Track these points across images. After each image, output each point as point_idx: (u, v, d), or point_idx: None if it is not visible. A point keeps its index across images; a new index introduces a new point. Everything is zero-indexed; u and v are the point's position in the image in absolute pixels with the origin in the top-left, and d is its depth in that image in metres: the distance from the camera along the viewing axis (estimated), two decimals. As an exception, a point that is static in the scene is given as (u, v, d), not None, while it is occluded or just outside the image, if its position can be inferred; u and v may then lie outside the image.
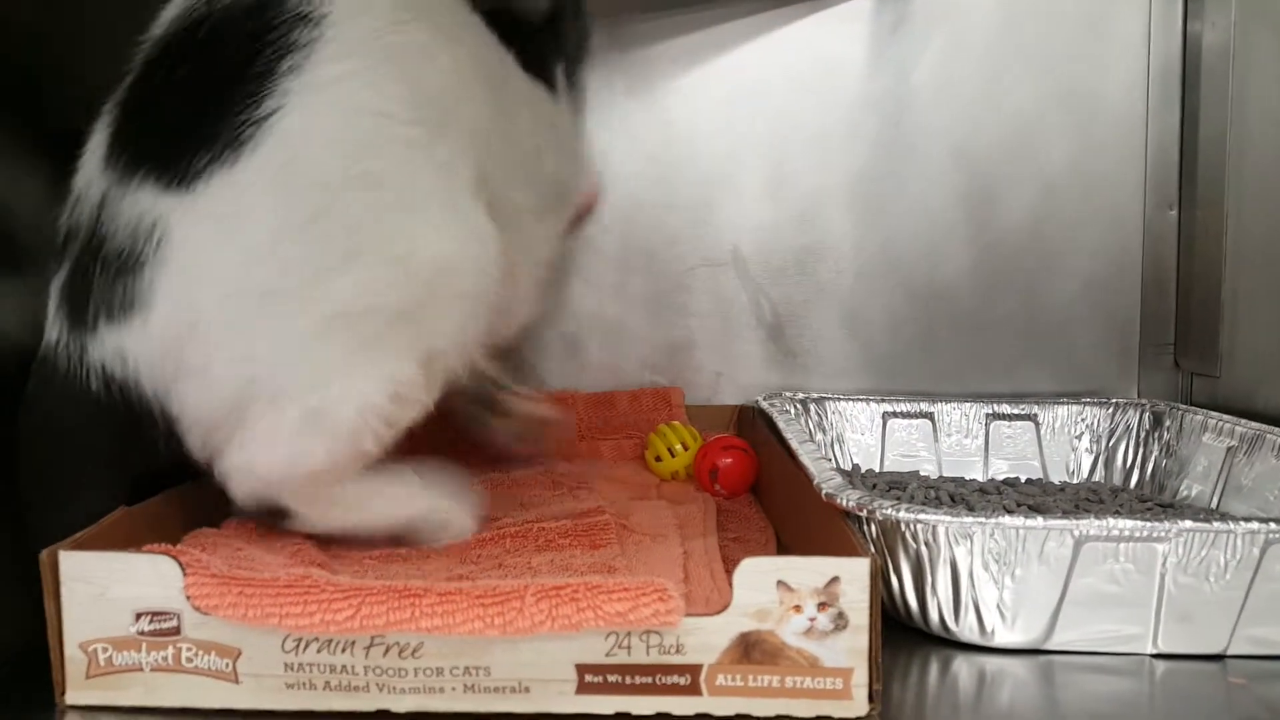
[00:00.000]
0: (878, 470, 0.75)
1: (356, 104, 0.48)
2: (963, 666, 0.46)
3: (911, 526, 0.47)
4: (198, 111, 0.46)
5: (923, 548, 0.47)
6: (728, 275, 0.85)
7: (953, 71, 0.83)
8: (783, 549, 0.59)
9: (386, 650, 0.41)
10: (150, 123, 0.48)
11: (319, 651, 0.41)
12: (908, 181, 0.84)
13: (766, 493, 0.69)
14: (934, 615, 0.48)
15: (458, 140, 0.52)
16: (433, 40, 0.52)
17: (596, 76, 0.84)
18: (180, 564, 0.41)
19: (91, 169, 0.49)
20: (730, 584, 0.50)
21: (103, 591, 0.41)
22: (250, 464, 0.49)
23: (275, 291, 0.47)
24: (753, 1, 0.83)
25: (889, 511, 0.46)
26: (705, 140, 0.85)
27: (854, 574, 0.41)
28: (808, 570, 0.41)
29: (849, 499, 0.48)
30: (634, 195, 0.85)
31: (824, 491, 0.49)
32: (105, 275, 0.46)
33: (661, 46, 0.85)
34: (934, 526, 0.46)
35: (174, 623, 0.41)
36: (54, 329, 0.48)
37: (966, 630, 0.47)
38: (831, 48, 0.84)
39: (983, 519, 0.45)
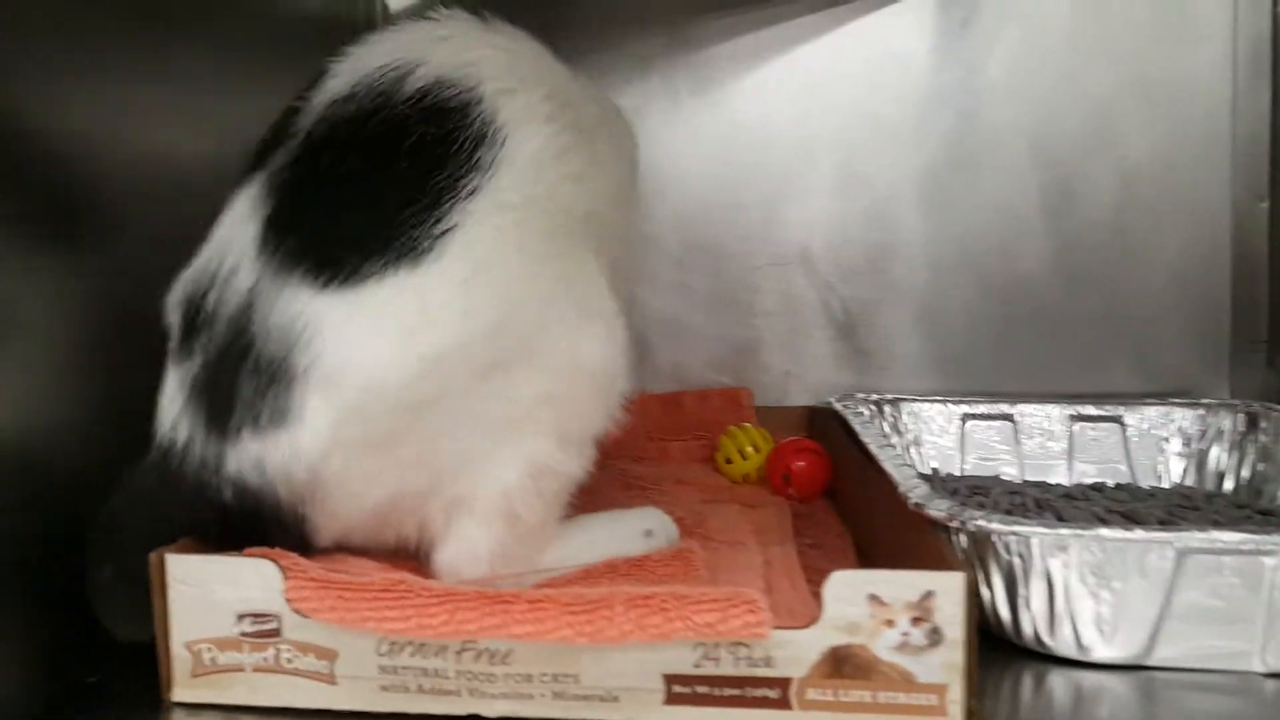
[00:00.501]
0: (957, 474, 0.74)
1: (536, 225, 0.48)
2: (1058, 682, 0.45)
3: (1004, 538, 0.46)
4: (370, 214, 0.45)
5: (1016, 559, 0.46)
6: (796, 273, 0.85)
7: (1028, 62, 0.81)
8: (860, 555, 0.58)
9: (478, 655, 0.42)
10: (315, 216, 0.46)
11: (412, 655, 0.42)
12: (983, 176, 0.82)
13: (841, 497, 0.68)
14: (1028, 629, 0.47)
15: (601, 237, 0.53)
16: (584, 148, 0.53)
17: (659, 78, 0.85)
18: (281, 567, 0.42)
19: (238, 248, 0.46)
20: (813, 594, 0.50)
21: (207, 593, 0.43)
22: (452, 566, 0.48)
23: (441, 400, 0.45)
24: (812, -1, 0.83)
25: (981, 522, 0.45)
26: (773, 138, 0.84)
27: (949, 588, 0.40)
28: (901, 584, 0.40)
29: (938, 509, 0.47)
30: (700, 195, 0.85)
31: (911, 501, 0.48)
32: (255, 383, 0.44)
33: (726, 46, 0.84)
34: (1028, 538, 0.45)
35: (274, 624, 0.43)
36: (181, 427, 0.45)
37: (1062, 645, 0.46)
38: (902, 42, 0.82)
39: (1080, 530, 0.44)
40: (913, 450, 0.76)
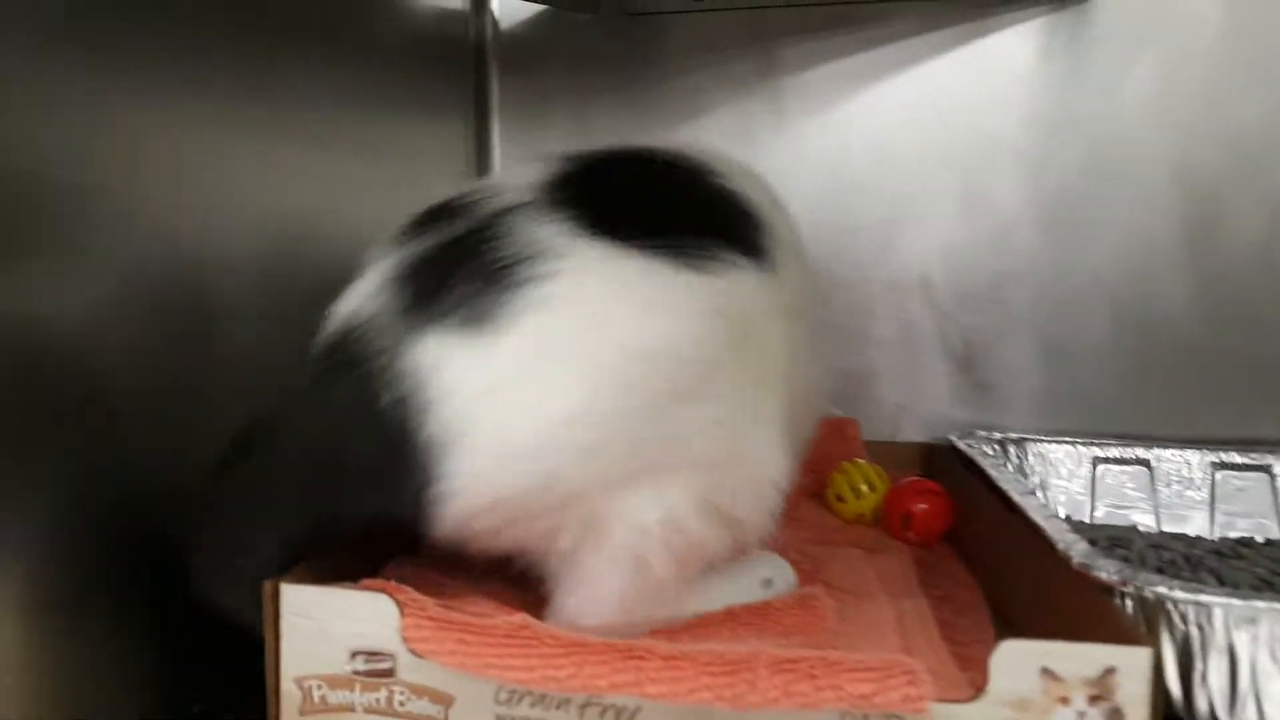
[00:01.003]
0: (1088, 522, 0.69)
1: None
2: (1242, 770, 0.41)
3: (1181, 607, 0.41)
4: None
5: (1193, 629, 0.42)
6: (913, 301, 0.81)
7: (1168, 85, 0.76)
8: (994, 611, 0.54)
9: (603, 711, 0.39)
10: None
11: (532, 706, 0.39)
12: (1118, 204, 0.77)
13: (966, 543, 0.64)
14: (1203, 707, 0.42)
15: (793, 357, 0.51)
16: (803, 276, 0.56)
17: (762, 98, 0.82)
18: (398, 603, 0.40)
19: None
20: (951, 654, 0.46)
21: (322, 627, 0.41)
22: (577, 608, 0.46)
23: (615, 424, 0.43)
24: (934, 15, 0.79)
25: (1160, 589, 0.41)
26: (888, 158, 0.80)
27: (1134, 665, 0.36)
28: (1079, 657, 0.36)
29: (1107, 571, 0.43)
30: (810, 217, 0.80)
31: (1075, 561, 0.44)
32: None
33: (839, 64, 0.81)
34: (1210, 608, 0.41)
35: (389, 664, 0.40)
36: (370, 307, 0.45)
37: (1244, 727, 0.42)
38: (1028, 62, 0.78)
39: (1275, 603, 0.39)
40: (1039, 494, 0.71)
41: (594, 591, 0.45)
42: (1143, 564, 0.56)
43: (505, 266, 0.42)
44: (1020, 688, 0.36)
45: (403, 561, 0.51)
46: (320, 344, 0.45)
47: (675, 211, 0.47)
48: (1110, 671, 0.36)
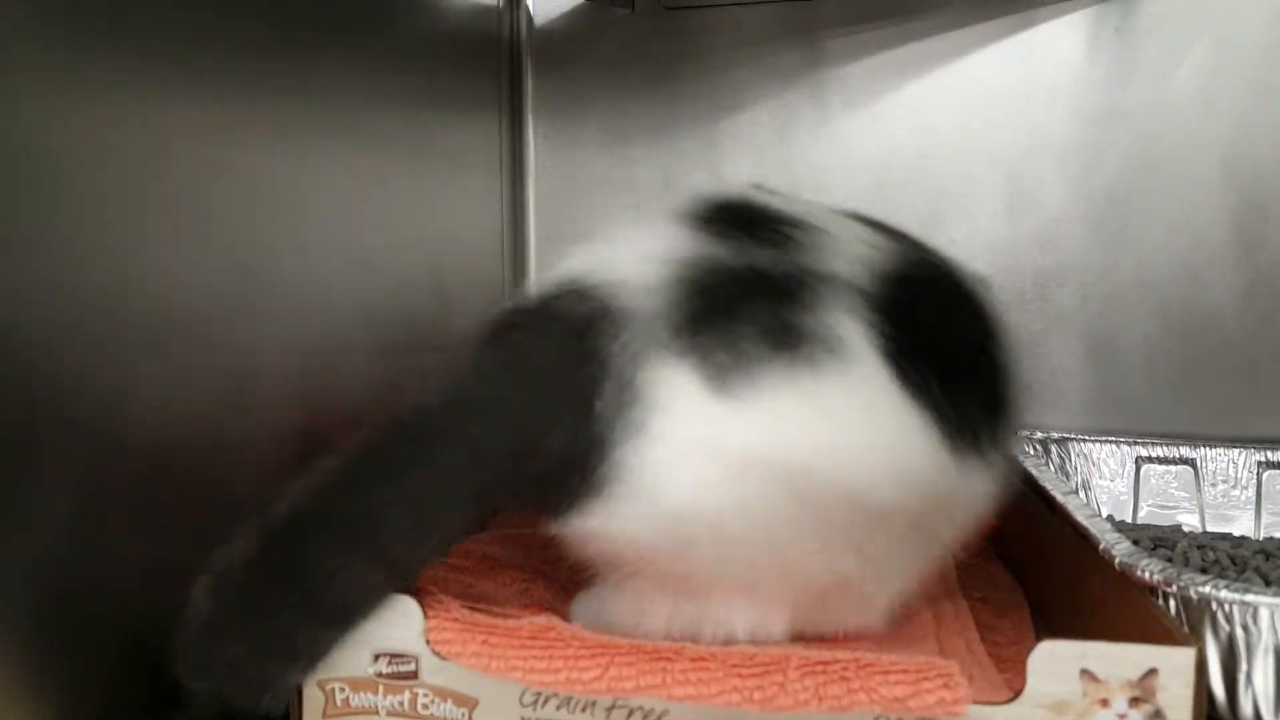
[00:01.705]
0: (1130, 522, 0.67)
1: None
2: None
3: (1227, 607, 0.40)
4: None
5: (1238, 630, 0.40)
6: (955, 300, 0.79)
7: (1219, 78, 0.74)
8: (1034, 613, 0.52)
9: (630, 713, 0.38)
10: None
11: (558, 708, 0.39)
12: (1167, 199, 0.75)
13: (1005, 543, 0.62)
14: (1247, 709, 0.41)
15: None
16: None
17: (808, 91, 0.81)
18: (421, 604, 0.40)
19: None
20: (990, 657, 0.45)
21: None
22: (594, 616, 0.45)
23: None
24: (980, 6, 0.77)
25: (1205, 589, 0.40)
26: (932, 154, 0.79)
27: (1178, 666, 0.35)
28: (1120, 659, 0.35)
29: (1151, 571, 0.41)
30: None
31: (1117, 561, 0.43)
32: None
33: (883, 57, 0.80)
34: (1256, 608, 0.39)
35: (412, 666, 0.40)
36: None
37: (1292, 730, 0.40)
38: (1077, 55, 0.76)
39: (1327, 605, 0.38)
40: (1082, 494, 0.69)
41: (630, 621, 0.43)
42: (1186, 564, 0.54)
43: (792, 337, 0.38)
44: (1059, 689, 0.35)
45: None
46: (549, 287, 0.42)
47: (965, 385, 0.42)
48: (1152, 673, 0.35)
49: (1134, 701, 0.35)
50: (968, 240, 0.78)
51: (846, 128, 0.80)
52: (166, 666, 0.37)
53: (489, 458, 0.39)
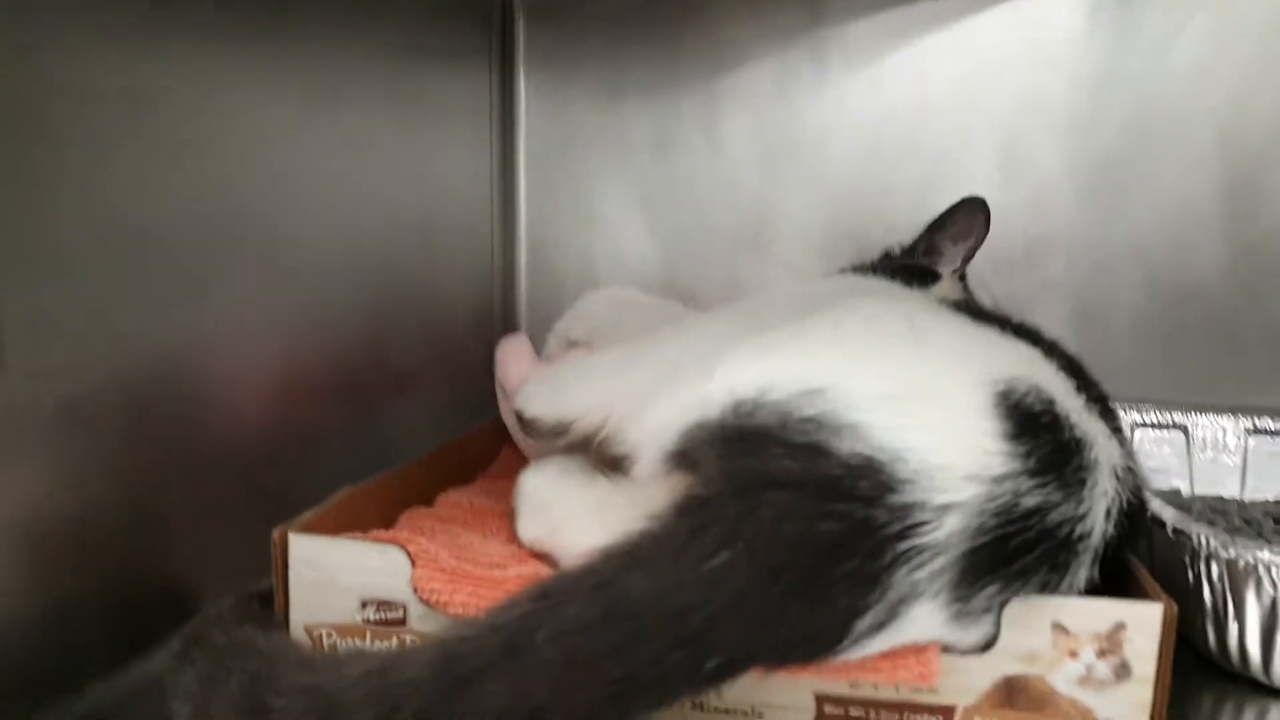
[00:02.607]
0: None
1: None
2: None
3: (1274, 571, 0.41)
4: None
5: None
6: (946, 266, 0.79)
7: (1219, 49, 0.73)
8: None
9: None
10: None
11: (542, 654, 0.39)
12: (1160, 169, 0.75)
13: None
14: None
15: None
16: None
17: (805, 50, 0.80)
18: (409, 554, 0.41)
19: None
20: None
21: (330, 576, 0.41)
22: None
23: None
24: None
25: (1261, 554, 0.41)
26: (930, 118, 0.78)
27: (1144, 619, 0.35)
28: (1090, 613, 0.36)
29: (1204, 537, 0.42)
30: (849, 179, 0.80)
31: (1170, 526, 0.44)
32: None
33: (884, 17, 0.79)
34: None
35: (400, 613, 0.41)
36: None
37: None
38: (1077, 21, 0.76)
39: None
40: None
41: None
42: (1211, 526, 0.55)
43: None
44: (1030, 642, 0.36)
45: (416, 512, 0.51)
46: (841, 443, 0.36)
47: None
48: (1120, 627, 0.35)
49: (1101, 654, 0.36)
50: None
51: (846, 88, 0.80)
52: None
53: None
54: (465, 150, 0.78)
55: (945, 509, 0.34)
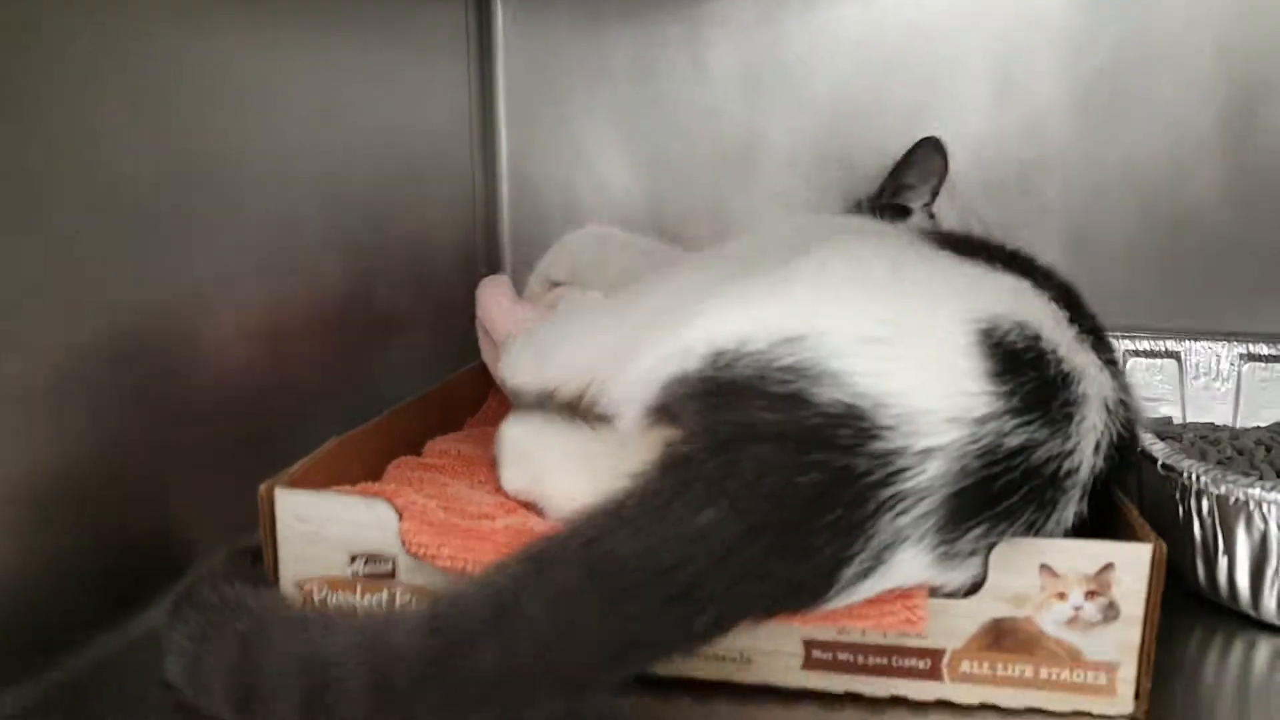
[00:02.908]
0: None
1: None
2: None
3: (1265, 507, 0.41)
4: None
5: (1273, 528, 0.42)
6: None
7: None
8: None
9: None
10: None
11: (532, 604, 0.39)
12: (1158, 86, 0.73)
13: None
14: (1270, 605, 0.43)
15: None
16: None
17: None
18: (396, 508, 0.40)
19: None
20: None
21: (318, 530, 0.41)
22: None
23: None
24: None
25: (1251, 490, 0.41)
26: (923, 38, 0.76)
27: (1133, 560, 0.35)
28: (1077, 554, 0.36)
29: (1195, 473, 0.43)
30: (838, 100, 0.78)
31: (1160, 462, 0.44)
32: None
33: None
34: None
35: (389, 566, 0.41)
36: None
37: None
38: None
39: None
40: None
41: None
42: (1203, 458, 0.55)
43: None
44: (1018, 583, 0.36)
45: (404, 461, 0.51)
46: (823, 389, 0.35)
47: None
48: (1108, 568, 0.35)
49: (1090, 595, 0.36)
50: (952, 129, 0.75)
51: (835, 8, 0.77)
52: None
53: None
54: (443, 82, 0.76)
55: (927, 453, 0.34)
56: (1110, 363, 0.41)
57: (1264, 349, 0.68)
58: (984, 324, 0.37)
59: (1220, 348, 0.69)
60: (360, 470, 0.48)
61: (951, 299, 0.38)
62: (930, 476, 0.34)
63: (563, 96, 0.82)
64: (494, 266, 0.84)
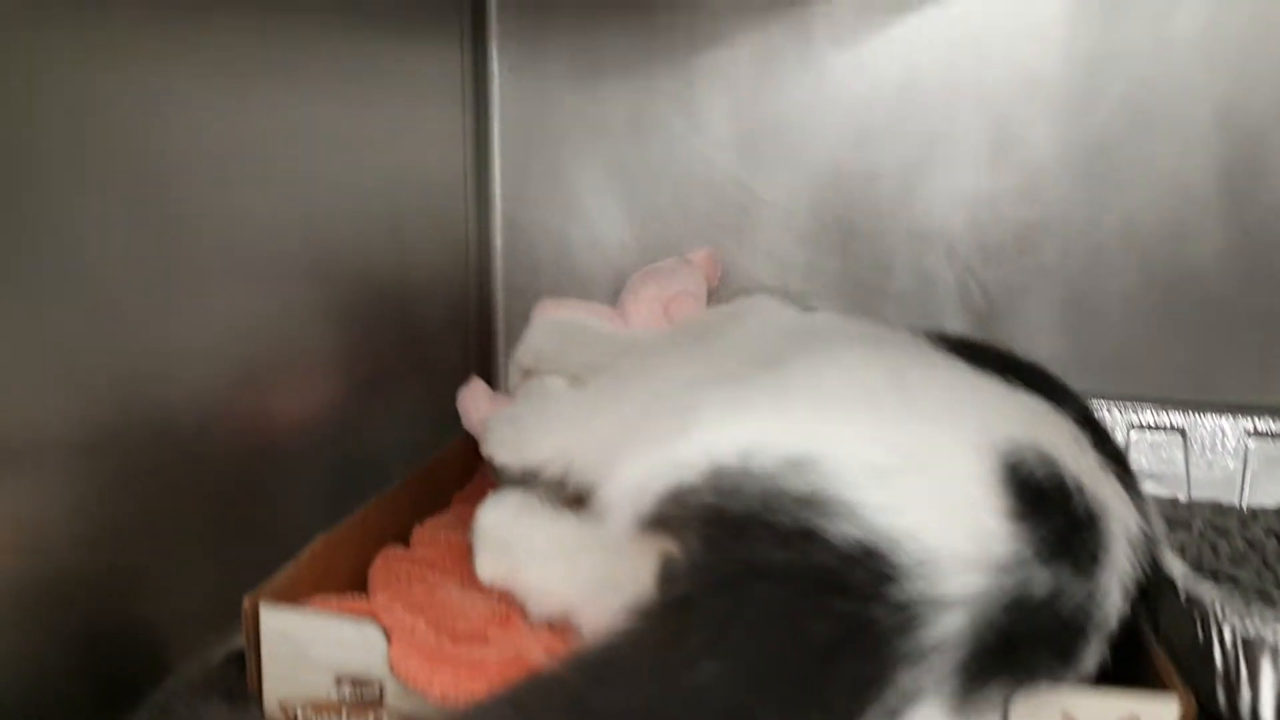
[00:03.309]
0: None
1: None
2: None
3: None
4: None
5: None
6: (934, 254, 0.76)
7: (1220, 22, 0.70)
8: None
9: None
10: None
11: (526, 735, 0.38)
12: (1157, 150, 0.72)
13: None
14: None
15: None
16: None
17: (792, 26, 0.76)
18: (384, 629, 0.38)
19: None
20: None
21: (304, 650, 0.39)
22: None
23: None
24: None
25: (1277, 626, 0.39)
26: (919, 99, 0.75)
27: (1159, 716, 0.34)
28: (1100, 706, 0.34)
29: (1218, 606, 0.41)
30: (833, 161, 0.77)
31: (1183, 591, 0.42)
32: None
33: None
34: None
35: (376, 691, 0.39)
36: None
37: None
38: (1071, -6, 0.72)
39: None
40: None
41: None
42: (1214, 551, 0.53)
43: None
44: (1038, 734, 0.35)
45: (392, 554, 0.49)
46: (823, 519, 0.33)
47: None
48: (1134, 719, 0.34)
49: (1114, 743, 0.34)
50: (949, 191, 0.75)
51: (830, 67, 0.76)
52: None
53: None
54: (437, 132, 0.74)
55: (949, 603, 0.32)
56: (1131, 488, 0.39)
57: (1271, 425, 0.68)
58: (1005, 452, 0.35)
59: (1225, 423, 0.68)
60: (348, 569, 0.46)
61: (967, 420, 0.36)
62: (953, 629, 0.32)
63: (558, 148, 0.80)
64: (486, 321, 0.82)
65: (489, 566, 0.46)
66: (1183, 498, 0.66)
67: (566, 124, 0.80)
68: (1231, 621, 0.41)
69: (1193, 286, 0.72)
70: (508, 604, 0.45)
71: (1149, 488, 0.65)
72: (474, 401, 0.63)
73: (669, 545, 0.36)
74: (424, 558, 0.50)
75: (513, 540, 0.46)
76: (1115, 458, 0.39)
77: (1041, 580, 0.33)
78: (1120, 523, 0.37)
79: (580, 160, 0.80)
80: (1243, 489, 0.66)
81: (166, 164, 0.45)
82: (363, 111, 0.62)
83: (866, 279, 0.77)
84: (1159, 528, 0.39)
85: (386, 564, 0.48)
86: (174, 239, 0.45)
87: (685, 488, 0.36)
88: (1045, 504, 0.34)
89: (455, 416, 0.66)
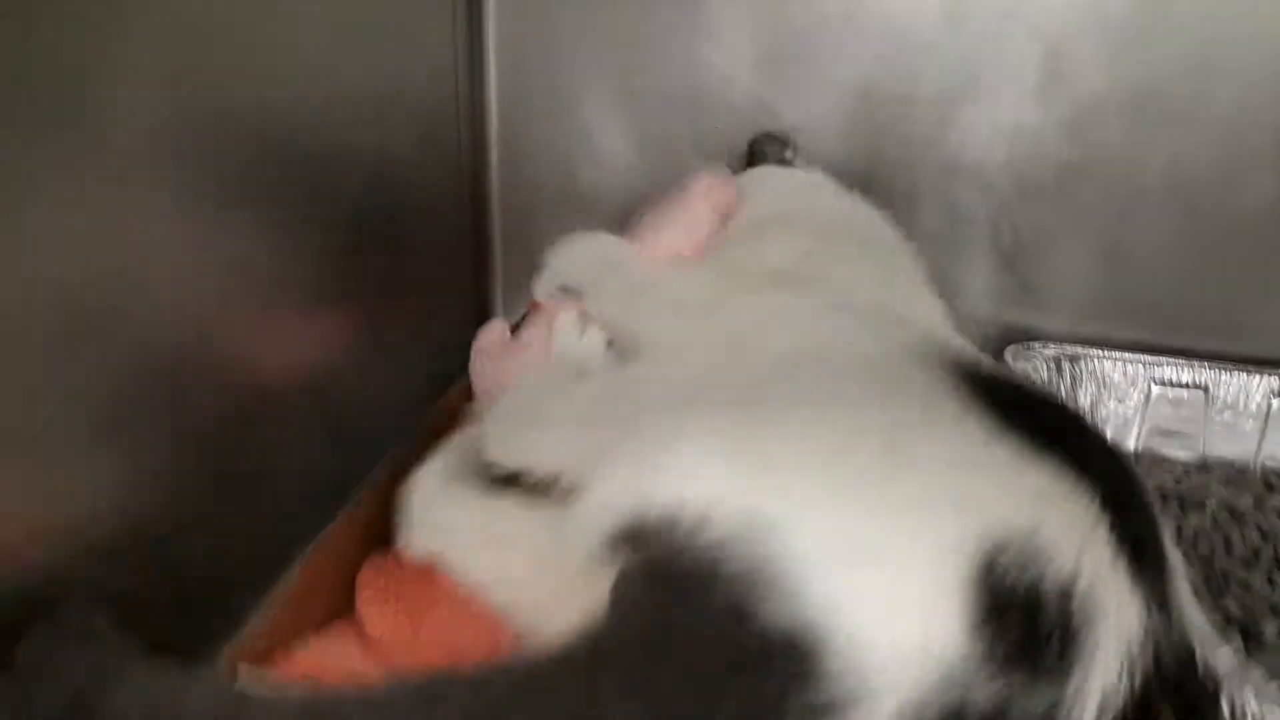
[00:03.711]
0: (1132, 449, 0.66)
1: None
2: None
3: None
4: None
5: None
6: (967, 188, 0.71)
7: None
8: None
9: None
10: None
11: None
12: (1217, 86, 0.67)
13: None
14: None
15: None
16: None
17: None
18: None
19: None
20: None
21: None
22: None
23: None
24: None
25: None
26: (965, 18, 0.68)
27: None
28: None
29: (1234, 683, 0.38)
30: (866, 83, 0.70)
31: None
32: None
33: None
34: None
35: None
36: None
37: None
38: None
39: None
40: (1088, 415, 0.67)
41: None
42: (1227, 547, 0.52)
43: None
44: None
45: (378, 566, 0.47)
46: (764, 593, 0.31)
47: None
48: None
49: None
50: (990, 122, 0.69)
51: (864, -27, 0.69)
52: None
53: None
54: (427, 46, 0.66)
55: (874, 710, 0.29)
56: (1154, 579, 0.35)
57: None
58: (982, 550, 0.32)
59: (1253, 380, 0.66)
60: (335, 588, 0.44)
61: (948, 512, 0.33)
62: None
63: (558, 62, 0.73)
64: (484, 247, 0.76)
65: (416, 544, 0.46)
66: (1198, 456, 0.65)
67: (567, 33, 0.72)
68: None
69: (1237, 238, 0.69)
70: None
71: (1166, 447, 0.65)
72: (490, 358, 0.57)
73: (608, 577, 0.35)
74: (412, 569, 0.46)
75: (448, 527, 0.46)
76: (1138, 541, 0.35)
77: (987, 693, 0.30)
78: (1114, 631, 0.33)
79: (584, 73, 0.73)
80: (1259, 449, 0.65)
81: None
82: (347, 19, 0.54)
83: (891, 213, 0.72)
84: (1194, 622, 0.36)
85: (373, 581, 0.46)
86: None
87: (642, 526, 0.34)
88: (1011, 613, 0.31)
89: (451, 346, 0.61)
